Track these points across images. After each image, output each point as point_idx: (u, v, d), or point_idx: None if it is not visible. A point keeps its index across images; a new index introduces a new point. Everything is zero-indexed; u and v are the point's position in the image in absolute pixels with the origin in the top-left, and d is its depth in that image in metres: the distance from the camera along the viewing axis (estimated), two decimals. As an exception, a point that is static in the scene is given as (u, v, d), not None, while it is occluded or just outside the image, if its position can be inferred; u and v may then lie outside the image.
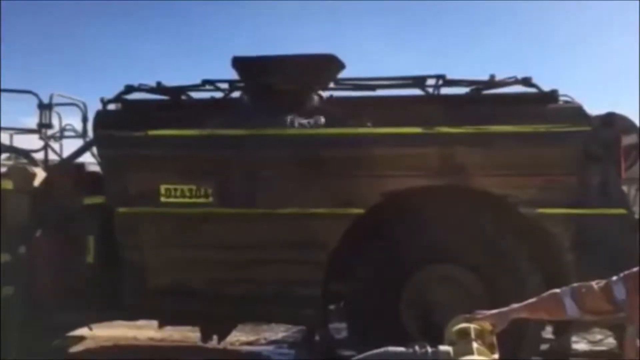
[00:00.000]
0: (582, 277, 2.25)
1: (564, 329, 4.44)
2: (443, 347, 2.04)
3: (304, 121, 4.28)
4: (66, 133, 6.05)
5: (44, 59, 19.44)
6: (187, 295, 4.46)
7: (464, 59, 17.61)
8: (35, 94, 5.40)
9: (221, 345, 5.70)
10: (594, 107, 4.25)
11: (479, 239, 4.22)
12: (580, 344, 5.83)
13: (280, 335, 6.75)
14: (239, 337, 6.53)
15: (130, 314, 4.87)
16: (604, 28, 18.63)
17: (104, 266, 4.64)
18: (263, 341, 6.60)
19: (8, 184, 4.65)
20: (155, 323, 5.05)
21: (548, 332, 4.71)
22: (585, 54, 19.92)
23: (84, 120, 5.93)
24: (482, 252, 4.20)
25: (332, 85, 4.82)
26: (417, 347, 2.05)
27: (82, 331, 5.33)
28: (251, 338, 6.64)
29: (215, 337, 5.11)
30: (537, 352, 4.52)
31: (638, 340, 1.91)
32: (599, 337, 5.73)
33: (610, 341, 5.52)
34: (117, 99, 4.77)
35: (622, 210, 4.10)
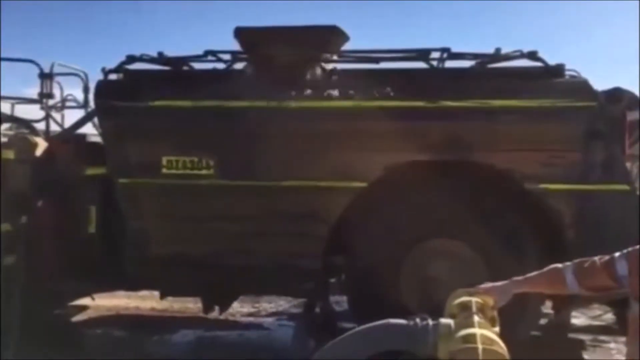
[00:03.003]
0: (584, 252, 2.24)
1: (564, 304, 4.46)
2: (444, 320, 2.05)
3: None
4: (67, 103, 6.02)
5: (45, 28, 19.28)
6: (188, 265, 4.47)
7: (467, 34, 17.42)
8: (37, 64, 5.38)
9: (222, 316, 5.75)
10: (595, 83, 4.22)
11: (481, 214, 4.21)
12: (579, 319, 5.87)
13: (280, 307, 6.80)
14: (239, 309, 6.58)
15: (132, 284, 4.89)
16: (606, 6, 18.37)
17: (106, 236, 4.65)
18: (264, 313, 6.66)
19: (9, 154, 4.64)
20: (157, 294, 5.08)
21: (547, 307, 4.74)
22: (586, 31, 19.72)
23: (85, 90, 5.90)
24: (484, 227, 4.19)
25: (335, 57, 4.77)
26: (418, 320, 2.05)
27: (85, 301, 5.38)
28: (252, 310, 6.70)
29: (216, 308, 5.15)
30: (536, 326, 4.55)
31: None
32: (597, 312, 5.77)
33: (609, 316, 5.56)
34: (118, 69, 4.73)
35: (625, 187, 4.08)
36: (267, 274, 4.44)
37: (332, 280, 5.10)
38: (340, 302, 5.43)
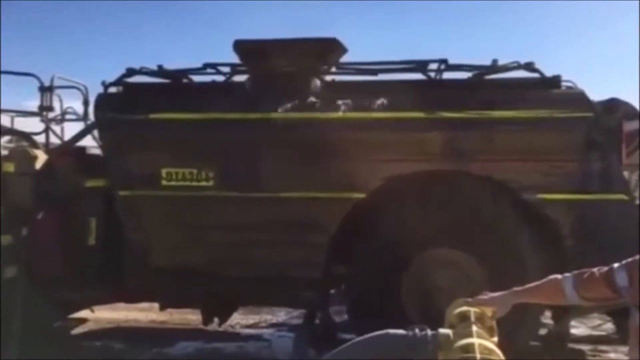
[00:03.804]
0: (583, 262, 2.25)
1: (563, 314, 4.47)
2: (443, 330, 2.05)
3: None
4: (67, 116, 6.05)
5: (45, 41, 19.36)
6: (188, 277, 4.48)
7: (465, 44, 17.53)
8: (37, 77, 5.41)
9: (222, 328, 5.74)
10: (594, 94, 4.25)
11: (480, 224, 4.23)
12: (579, 329, 5.87)
13: (280, 318, 6.80)
14: (239, 320, 6.58)
15: (132, 296, 4.90)
16: (605, 14, 18.52)
17: (106, 248, 4.65)
18: (263, 324, 6.65)
19: (10, 167, 4.66)
20: (156, 306, 5.08)
21: (547, 317, 4.74)
22: (585, 40, 19.84)
23: (85, 103, 5.93)
24: (483, 237, 4.21)
25: (334, 69, 4.80)
26: (417, 330, 2.06)
27: (84, 313, 5.37)
28: (252, 321, 6.70)
29: (216, 319, 5.15)
30: (535, 336, 4.55)
31: None
32: (597, 322, 5.77)
33: (609, 326, 5.55)
34: (118, 82, 4.76)
35: (623, 196, 4.11)
36: (267, 285, 4.45)
37: (332, 291, 5.11)
38: (340, 312, 5.43)
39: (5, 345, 4.23)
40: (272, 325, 6.60)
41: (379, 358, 2.13)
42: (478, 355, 1.81)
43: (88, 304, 5.12)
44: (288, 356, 5.16)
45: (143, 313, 6.65)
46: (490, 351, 1.87)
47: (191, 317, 6.32)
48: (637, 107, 4.52)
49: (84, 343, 5.66)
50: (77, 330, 5.71)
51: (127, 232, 4.57)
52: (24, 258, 4.47)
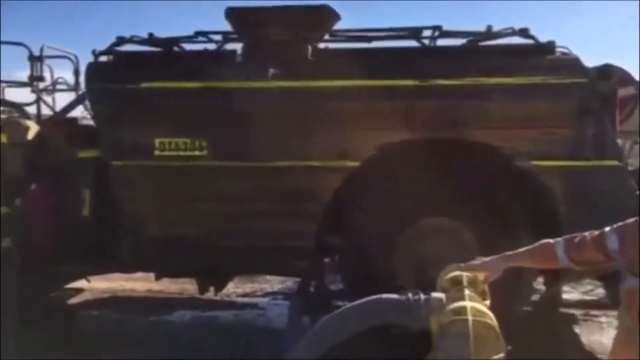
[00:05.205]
0: (576, 228, 2.27)
1: (555, 279, 4.51)
2: (436, 294, 2.08)
3: None
4: (58, 86, 5.98)
5: (34, 10, 19.08)
6: (183, 247, 4.49)
7: (460, 11, 17.35)
8: (26, 46, 5.33)
9: (218, 297, 5.79)
10: (593, 60, 4.24)
11: (474, 192, 4.24)
12: (570, 294, 5.95)
13: (275, 287, 6.85)
14: (235, 289, 6.63)
15: (128, 267, 4.91)
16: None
17: (100, 219, 4.65)
18: (259, 292, 6.71)
19: (3, 137, 4.62)
20: (152, 275, 5.11)
21: (539, 283, 4.79)
22: (584, 8, 19.65)
23: (76, 73, 5.85)
24: (477, 205, 4.22)
25: (327, 36, 4.75)
26: (410, 294, 2.08)
27: (80, 283, 5.40)
28: (247, 290, 6.75)
29: (211, 289, 5.18)
30: (528, 302, 4.60)
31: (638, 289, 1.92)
32: (589, 287, 5.84)
33: (600, 291, 5.63)
34: (108, 50, 4.70)
35: (616, 162, 4.11)
36: (262, 254, 4.46)
37: (327, 259, 5.13)
38: (334, 281, 5.47)
39: (4, 316, 4.24)
40: (268, 294, 6.66)
41: (372, 322, 2.15)
42: (470, 317, 1.84)
43: (83, 275, 5.13)
44: (283, 324, 5.21)
45: (139, 282, 6.68)
46: (482, 313, 1.89)
47: (187, 286, 6.37)
48: (633, 74, 4.52)
49: (80, 313, 5.71)
50: (73, 300, 5.74)
51: (120, 202, 4.56)
52: (18, 229, 4.46)
